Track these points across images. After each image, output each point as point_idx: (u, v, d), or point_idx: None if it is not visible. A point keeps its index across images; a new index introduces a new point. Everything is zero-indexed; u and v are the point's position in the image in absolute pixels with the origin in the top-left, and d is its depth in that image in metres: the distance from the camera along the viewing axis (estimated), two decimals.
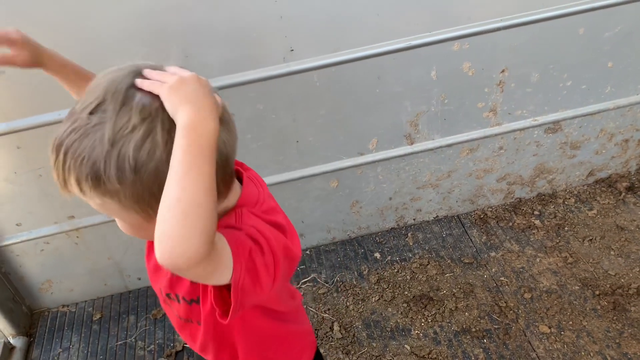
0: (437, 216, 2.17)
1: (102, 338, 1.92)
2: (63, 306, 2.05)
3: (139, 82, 0.67)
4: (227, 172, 0.76)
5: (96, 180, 0.66)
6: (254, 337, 0.97)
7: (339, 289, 1.95)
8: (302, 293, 1.94)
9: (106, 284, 2.03)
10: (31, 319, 2.01)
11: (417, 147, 1.90)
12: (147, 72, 0.69)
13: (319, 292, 1.95)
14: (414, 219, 2.15)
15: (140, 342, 1.88)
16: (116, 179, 0.65)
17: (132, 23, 1.42)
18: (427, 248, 2.07)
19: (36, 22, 1.36)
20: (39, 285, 1.96)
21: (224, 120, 0.71)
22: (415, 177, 1.99)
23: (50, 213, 1.75)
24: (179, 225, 0.60)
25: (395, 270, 1.99)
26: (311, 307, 1.89)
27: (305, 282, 1.99)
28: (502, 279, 1.92)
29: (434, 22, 1.61)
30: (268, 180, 1.86)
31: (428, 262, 2.01)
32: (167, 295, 0.92)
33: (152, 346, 1.86)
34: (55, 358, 1.87)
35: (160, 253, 0.61)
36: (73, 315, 2.01)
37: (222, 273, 0.68)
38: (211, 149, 0.63)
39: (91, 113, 0.66)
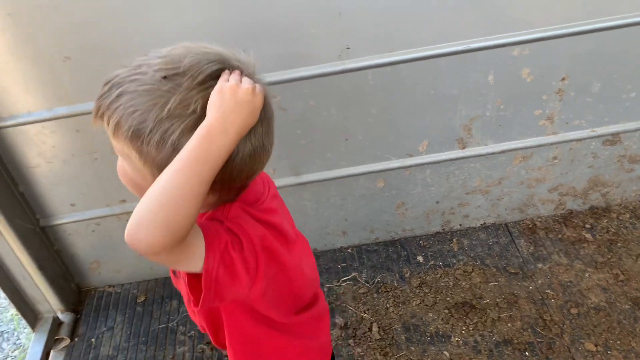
0: (485, 223, 2.13)
1: (145, 320, 1.97)
2: (109, 286, 2.11)
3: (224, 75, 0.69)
4: (257, 173, 0.78)
5: (135, 136, 0.68)
6: (241, 338, 0.95)
7: (380, 290, 1.94)
8: (341, 291, 1.94)
9: (152, 268, 2.08)
10: (79, 296, 2.08)
11: (469, 151, 1.86)
12: (226, 73, 0.70)
13: (359, 291, 1.94)
14: (460, 225, 2.12)
15: (181, 327, 1.92)
16: (155, 145, 0.67)
17: (189, 17, 1.44)
18: (472, 255, 2.03)
19: (100, 10, 1.40)
20: (88, 264, 2.03)
21: (265, 127, 0.74)
22: (465, 182, 1.96)
23: (103, 196, 1.81)
24: (151, 212, 0.62)
25: (438, 275, 1.96)
26: (350, 306, 1.89)
27: (345, 281, 1.98)
28: (549, 291, 1.87)
29: (494, 26, 1.57)
30: (313, 176, 1.87)
31: (472, 269, 1.97)
32: (174, 271, 0.94)
33: (193, 332, 1.89)
34: (100, 336, 1.93)
35: (127, 229, 0.62)
36: (118, 296, 2.07)
37: (190, 263, 0.69)
38: (216, 160, 0.65)
39: (165, 77, 0.67)
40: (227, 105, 0.66)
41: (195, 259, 0.69)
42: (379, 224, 2.06)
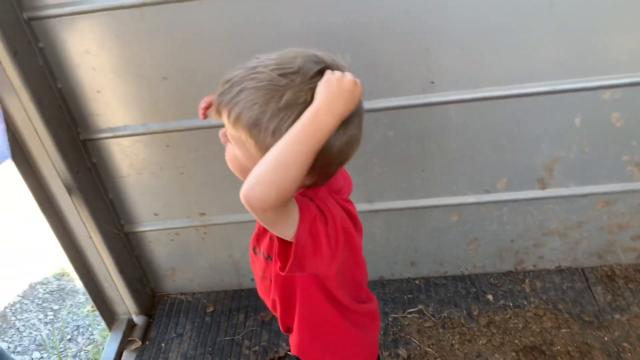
0: (560, 266, 2.06)
1: (212, 331, 2.03)
2: (182, 294, 2.20)
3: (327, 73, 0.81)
4: (345, 162, 0.89)
5: (254, 126, 0.81)
6: (310, 317, 1.06)
7: (446, 325, 1.91)
8: (406, 323, 1.93)
9: (223, 280, 2.15)
10: (153, 301, 2.18)
11: (549, 192, 1.81)
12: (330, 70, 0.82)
13: (425, 324, 1.92)
14: (534, 266, 2.06)
15: (246, 341, 1.97)
16: (271, 132, 0.81)
17: (278, 45, 1.50)
18: (544, 298, 1.96)
19: (196, 35, 1.48)
20: (164, 271, 2.12)
21: (358, 118, 0.86)
22: (542, 222, 1.91)
23: (184, 208, 1.90)
24: (267, 173, 0.75)
25: (508, 316, 1.91)
26: (414, 339, 1.88)
27: (411, 312, 1.97)
28: (625, 345, 1.78)
29: (585, 67, 1.54)
30: (386, 205, 1.88)
31: (544, 313, 1.91)
32: (254, 248, 1.05)
33: (257, 347, 1.94)
34: (170, 342, 2.01)
35: (245, 186, 0.75)
36: (189, 304, 2.15)
37: (285, 228, 0.82)
38: (320, 137, 0.76)
39: (281, 75, 0.80)
40: (333, 91, 0.78)
41: (290, 225, 0.81)
42: (449, 257, 2.04)
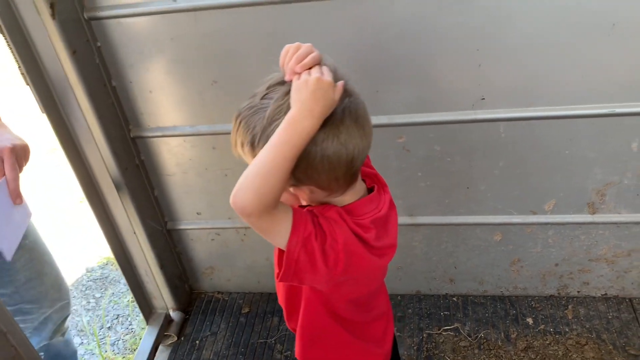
0: (606, 294, 1.98)
1: (246, 332, 2.05)
2: (218, 292, 2.23)
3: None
4: (350, 171, 0.89)
5: (251, 146, 0.87)
6: (310, 327, 1.08)
7: (482, 347, 1.86)
8: (441, 340, 1.90)
9: (259, 282, 2.16)
10: (190, 297, 2.22)
11: (599, 217, 1.75)
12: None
13: (460, 344, 1.88)
14: (578, 292, 1.99)
15: (279, 345, 1.98)
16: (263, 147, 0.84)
17: (332, 54, 1.50)
18: (587, 326, 1.89)
19: (248, 41, 1.50)
20: (202, 269, 2.16)
21: (352, 125, 0.85)
22: (590, 248, 1.84)
23: (226, 209, 1.92)
24: (247, 180, 0.80)
25: (547, 342, 1.85)
26: (448, 357, 1.84)
27: (447, 330, 1.93)
28: None
29: None
30: (428, 219, 1.85)
31: (586, 342, 1.84)
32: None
33: (289, 352, 1.94)
34: (204, 339, 2.04)
35: (232, 194, 0.80)
36: (225, 304, 2.18)
37: (275, 237, 0.86)
38: (297, 141, 0.80)
39: (262, 98, 0.86)
40: (303, 94, 0.81)
41: (280, 234, 0.85)
42: (489, 277, 1.99)
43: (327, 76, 0.83)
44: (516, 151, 1.64)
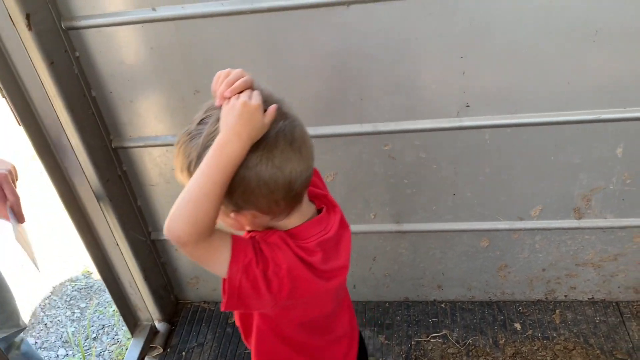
0: (593, 298, 1.98)
1: (233, 342, 2.02)
2: (204, 302, 2.20)
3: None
4: (290, 193, 0.86)
5: (188, 171, 0.85)
6: (263, 350, 1.07)
7: (470, 353, 1.86)
8: (429, 348, 1.89)
9: None
10: (176, 308, 2.19)
11: (585, 223, 1.74)
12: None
13: (448, 351, 1.87)
14: (565, 296, 1.99)
15: None
16: None
17: (316, 62, 1.49)
18: (575, 331, 1.89)
19: (238, 48, 1.48)
20: (188, 279, 2.13)
21: (287, 148, 0.83)
22: (576, 253, 1.84)
23: None
24: (180, 207, 0.78)
25: (535, 348, 1.85)
26: None
27: (435, 337, 1.92)
28: None
29: (629, 96, 1.47)
30: (414, 226, 1.84)
31: (574, 346, 1.84)
32: None
33: None
34: (190, 350, 2.01)
35: (166, 222, 0.79)
36: (211, 313, 2.15)
37: (214, 266, 0.84)
38: (226, 165, 0.78)
39: (199, 123, 0.85)
40: (229, 119, 0.79)
41: (219, 263, 0.83)
42: (477, 283, 1.99)
43: (256, 100, 0.81)
44: (502, 157, 1.64)
